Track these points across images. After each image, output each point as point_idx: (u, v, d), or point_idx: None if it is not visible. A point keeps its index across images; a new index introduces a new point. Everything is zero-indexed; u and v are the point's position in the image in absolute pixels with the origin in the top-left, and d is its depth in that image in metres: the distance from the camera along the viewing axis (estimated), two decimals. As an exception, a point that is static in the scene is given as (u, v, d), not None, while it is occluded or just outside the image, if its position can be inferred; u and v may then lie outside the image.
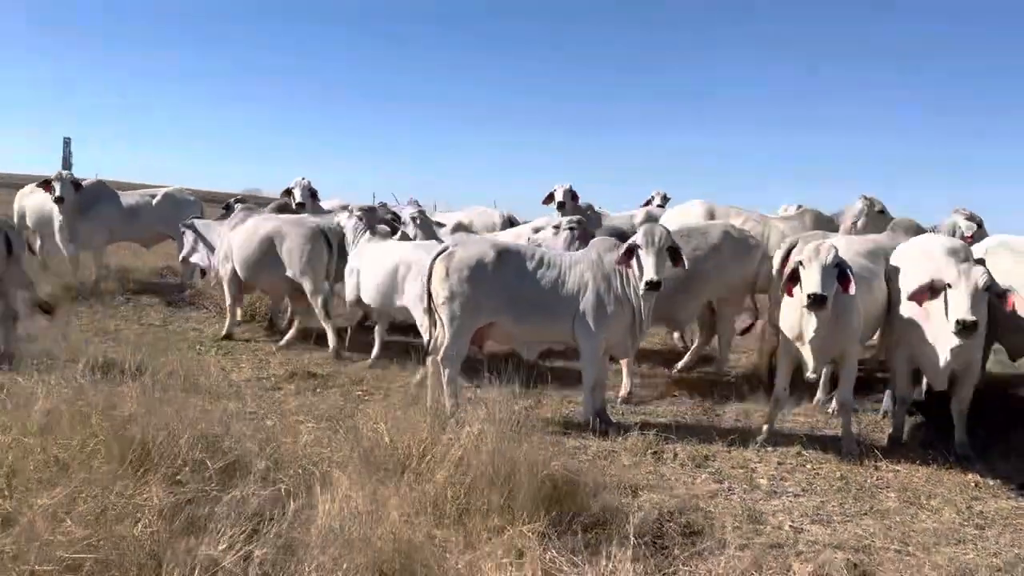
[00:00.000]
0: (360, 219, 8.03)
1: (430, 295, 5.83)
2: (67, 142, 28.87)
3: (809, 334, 5.27)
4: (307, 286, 8.12)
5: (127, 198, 11.24)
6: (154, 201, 11.20)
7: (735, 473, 4.96)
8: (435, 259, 5.78)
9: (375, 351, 7.65)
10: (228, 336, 8.59)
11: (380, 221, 8.59)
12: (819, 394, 6.64)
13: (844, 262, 5.14)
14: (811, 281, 5.03)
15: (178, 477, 3.74)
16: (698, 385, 7.03)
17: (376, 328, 7.80)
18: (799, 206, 8.64)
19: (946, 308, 4.95)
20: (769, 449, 5.43)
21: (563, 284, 5.65)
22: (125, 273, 11.95)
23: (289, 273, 8.18)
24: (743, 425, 6.05)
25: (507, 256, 5.69)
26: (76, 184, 10.75)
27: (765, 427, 5.66)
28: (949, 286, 4.94)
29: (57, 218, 10.76)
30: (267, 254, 8.29)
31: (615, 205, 11.32)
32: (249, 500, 3.59)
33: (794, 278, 5.24)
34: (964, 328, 4.74)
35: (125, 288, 10.83)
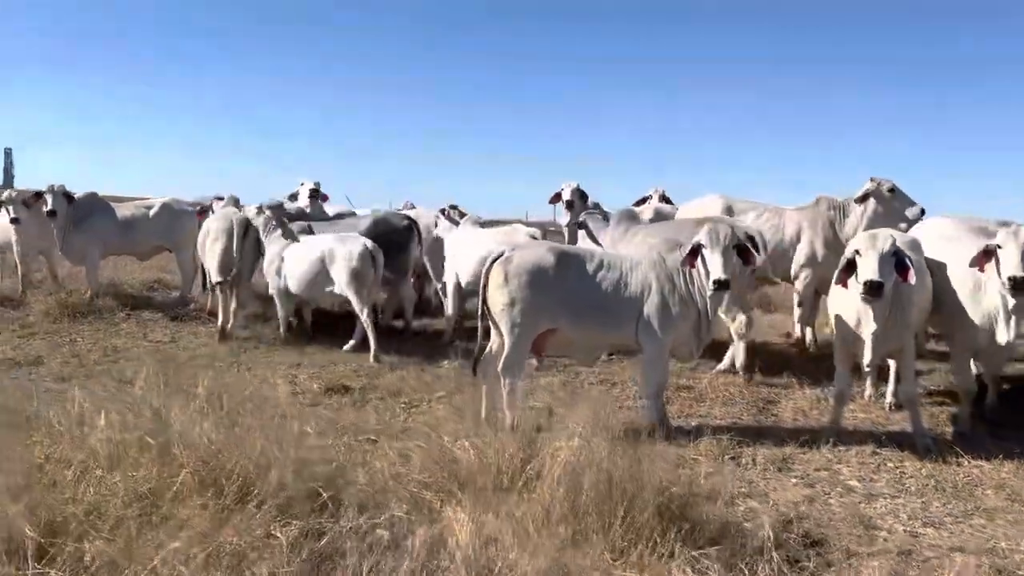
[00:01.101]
0: (270, 216, 8.69)
1: (485, 302, 5.63)
2: (7, 152, 28.00)
3: (867, 325, 5.18)
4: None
5: (122, 210, 10.85)
6: (151, 212, 10.81)
7: (821, 476, 4.84)
8: (491, 265, 5.58)
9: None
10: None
11: (290, 218, 9.12)
12: (869, 389, 6.57)
13: (902, 251, 5.06)
14: (868, 269, 4.93)
15: (291, 511, 3.49)
16: (743, 384, 6.91)
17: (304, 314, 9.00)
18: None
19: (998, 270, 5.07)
20: (843, 448, 5.31)
21: (626, 286, 5.48)
22: (119, 288, 11.58)
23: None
24: (804, 424, 5.95)
25: (566, 259, 5.51)
26: (68, 196, 10.36)
27: (832, 426, 5.55)
28: (999, 247, 5.06)
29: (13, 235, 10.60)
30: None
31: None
32: (364, 530, 3.36)
33: (849, 268, 5.15)
34: (1015, 286, 4.88)
35: (124, 303, 10.42)
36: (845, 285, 5.20)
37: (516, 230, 9.65)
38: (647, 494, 3.57)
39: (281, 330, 8.79)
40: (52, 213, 10.14)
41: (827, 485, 4.68)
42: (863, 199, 7.61)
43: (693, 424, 5.83)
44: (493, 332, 5.74)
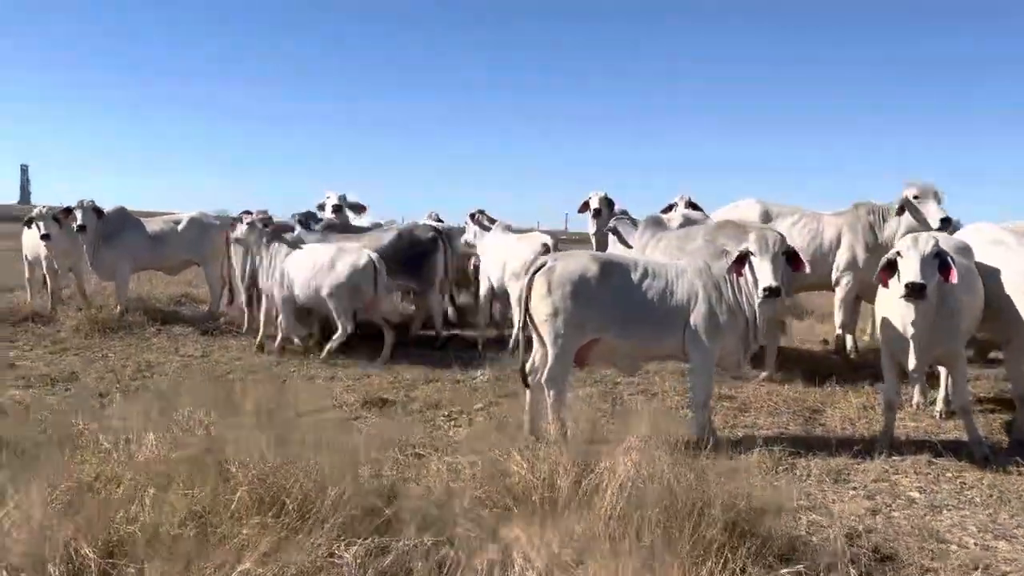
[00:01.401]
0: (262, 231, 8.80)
1: (528, 313, 5.56)
2: (24, 169, 28.26)
3: (910, 329, 5.07)
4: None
5: (151, 225, 10.87)
6: (179, 227, 10.83)
7: (880, 487, 4.72)
8: (533, 275, 5.51)
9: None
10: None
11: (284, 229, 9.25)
12: (917, 397, 6.44)
13: (945, 252, 4.95)
14: (909, 270, 4.84)
15: (353, 528, 3.42)
16: (787, 392, 6.80)
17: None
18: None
19: None
20: (897, 459, 5.19)
21: (671, 295, 5.39)
22: (147, 303, 11.60)
23: None
24: (853, 433, 5.83)
25: (610, 268, 5.43)
26: (98, 211, 10.39)
27: (884, 435, 5.44)
28: None
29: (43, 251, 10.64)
30: None
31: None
32: (428, 548, 3.28)
33: (890, 268, 5.06)
34: None
35: (154, 318, 10.42)
36: (885, 284, 5.12)
37: (535, 236, 9.68)
38: (715, 509, 3.48)
39: (277, 340, 8.79)
40: (82, 228, 10.17)
41: (887, 497, 4.56)
42: (901, 211, 7.45)
43: (740, 435, 5.74)
44: (536, 343, 5.66)
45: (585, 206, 10.58)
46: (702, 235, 7.40)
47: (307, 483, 3.69)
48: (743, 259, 5.29)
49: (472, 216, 11.44)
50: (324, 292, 8.29)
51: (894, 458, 5.19)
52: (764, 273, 5.18)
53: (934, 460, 5.15)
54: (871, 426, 5.97)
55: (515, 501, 4.03)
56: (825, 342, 8.56)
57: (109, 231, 10.52)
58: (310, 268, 8.37)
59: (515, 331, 9.22)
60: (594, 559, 3.45)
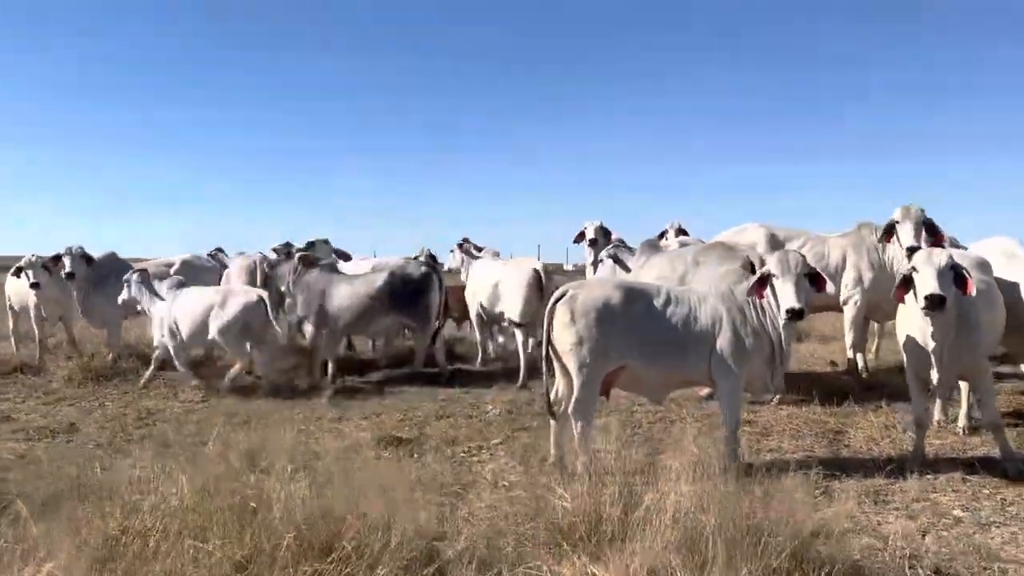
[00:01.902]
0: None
1: (550, 343, 5.49)
2: None
3: (931, 343, 5.07)
4: None
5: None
6: (171, 270, 10.65)
7: (922, 507, 4.67)
8: (554, 304, 5.45)
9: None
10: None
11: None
12: (938, 414, 6.42)
13: (959, 265, 4.97)
14: (926, 283, 4.86)
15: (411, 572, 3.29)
16: (806, 415, 6.75)
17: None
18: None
19: None
20: (931, 477, 5.15)
21: (696, 320, 5.35)
22: (138, 349, 11.36)
23: None
24: (880, 452, 5.79)
25: (634, 295, 5.38)
26: (87, 258, 10.20)
27: (916, 454, 5.41)
28: None
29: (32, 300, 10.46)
30: None
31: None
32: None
33: (906, 284, 5.08)
34: None
35: (147, 365, 10.18)
36: (902, 300, 5.15)
37: (526, 261, 9.77)
38: (780, 537, 3.39)
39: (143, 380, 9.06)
40: (71, 275, 10.00)
41: (932, 516, 4.51)
42: (887, 235, 7.43)
43: (768, 459, 5.67)
44: (559, 372, 5.58)
45: (581, 236, 10.61)
46: (691, 256, 7.42)
47: (359, 526, 3.57)
48: (764, 281, 5.28)
49: (460, 245, 11.43)
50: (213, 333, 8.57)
51: (927, 476, 5.15)
52: (787, 295, 5.16)
53: (968, 477, 5.12)
54: (895, 445, 5.94)
55: (563, 536, 3.93)
56: (833, 364, 8.55)
57: (99, 277, 10.34)
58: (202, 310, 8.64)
59: (521, 362, 9.26)
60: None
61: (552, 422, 5.59)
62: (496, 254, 12.16)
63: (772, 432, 6.38)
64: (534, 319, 9.87)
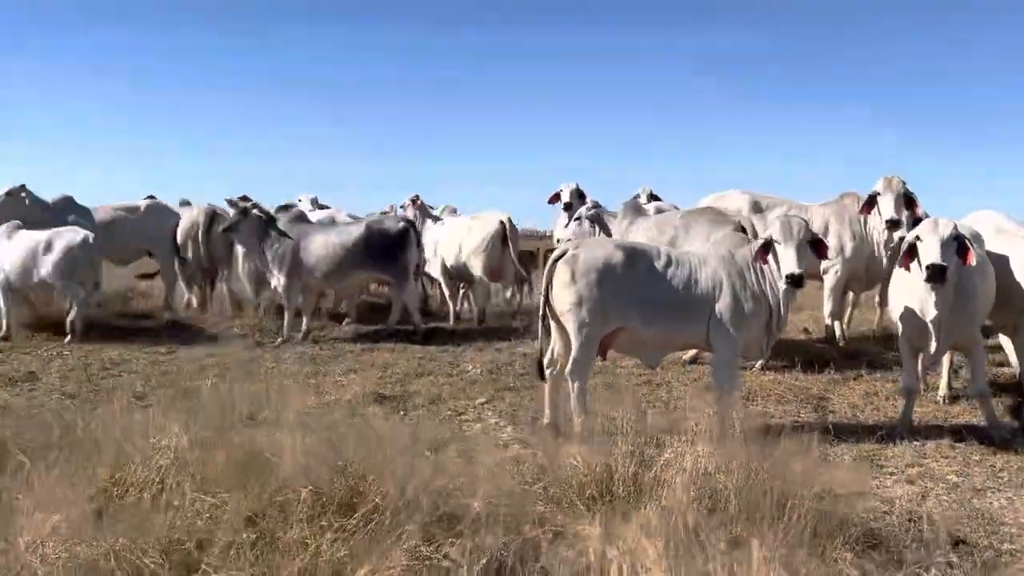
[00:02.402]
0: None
1: (548, 302, 5.40)
2: None
3: (931, 313, 5.13)
4: None
5: (101, 213, 10.25)
6: (135, 215, 10.24)
7: (917, 472, 4.73)
8: (554, 263, 5.36)
9: None
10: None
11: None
12: (943, 390, 6.44)
13: (963, 236, 5.03)
14: (930, 252, 4.91)
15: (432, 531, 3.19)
16: (789, 381, 6.81)
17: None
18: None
19: None
20: (919, 443, 5.24)
21: (696, 283, 5.31)
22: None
23: None
24: (864, 419, 5.87)
25: (635, 255, 5.31)
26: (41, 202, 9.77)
27: (903, 421, 5.49)
28: None
29: None
30: None
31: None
32: (520, 548, 3.10)
33: (911, 253, 5.12)
34: None
35: (107, 314, 9.84)
36: (907, 268, 5.18)
37: (492, 214, 9.90)
38: (807, 500, 3.39)
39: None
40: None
41: (928, 481, 4.58)
42: (868, 206, 7.49)
43: (757, 423, 5.68)
44: (554, 332, 5.51)
45: (556, 197, 10.51)
46: (679, 219, 7.39)
47: (380, 483, 3.45)
48: (767, 246, 5.25)
49: (412, 201, 11.21)
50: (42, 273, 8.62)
51: (916, 443, 5.23)
52: (788, 260, 5.15)
53: (955, 444, 5.20)
54: (879, 412, 6.03)
55: (578, 496, 3.88)
56: (807, 331, 8.65)
57: (55, 222, 9.89)
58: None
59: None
60: (677, 552, 3.32)
61: (546, 383, 5.52)
62: (454, 211, 11.98)
63: (757, 397, 6.42)
64: (500, 272, 9.86)
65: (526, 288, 11.12)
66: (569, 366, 5.30)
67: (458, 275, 10.01)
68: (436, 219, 10.87)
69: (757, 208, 7.90)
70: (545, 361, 5.51)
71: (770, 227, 5.33)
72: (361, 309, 10.25)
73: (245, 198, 9.92)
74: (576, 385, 5.28)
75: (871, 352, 7.54)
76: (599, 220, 8.31)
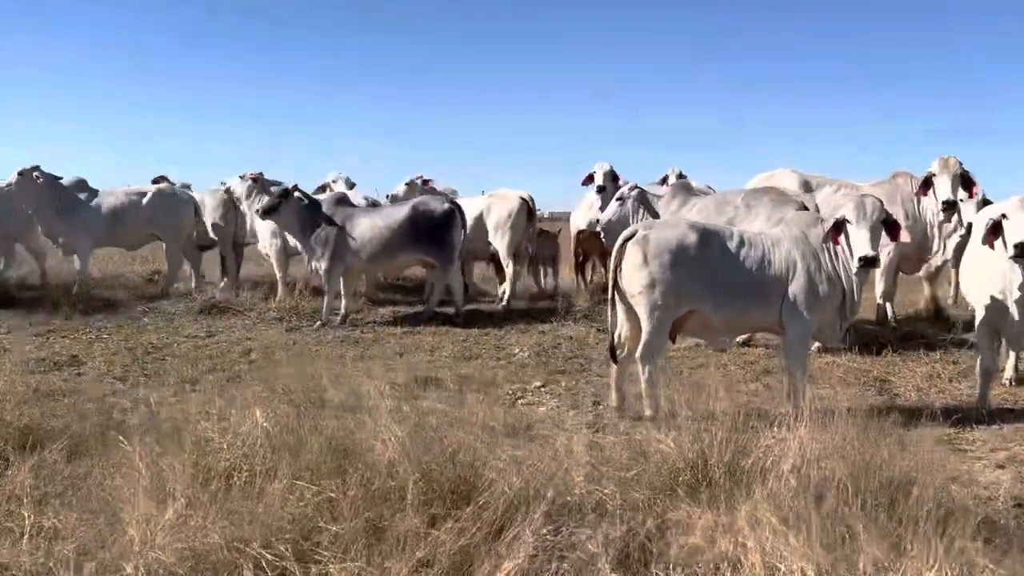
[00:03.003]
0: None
1: (616, 285, 5.30)
2: None
3: (1016, 293, 5.03)
4: None
5: (109, 198, 10.15)
6: (144, 200, 10.12)
7: (1004, 456, 4.66)
8: (623, 243, 5.25)
9: None
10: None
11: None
12: (1009, 372, 6.35)
13: None
14: (1019, 230, 4.79)
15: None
16: (846, 363, 6.72)
17: None
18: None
19: None
20: (997, 427, 5.16)
21: (769, 264, 5.20)
22: (123, 280, 10.88)
23: None
24: (931, 402, 5.76)
25: (709, 236, 5.20)
26: (47, 176, 9.80)
27: (981, 403, 5.41)
28: None
29: None
30: None
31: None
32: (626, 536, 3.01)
33: (995, 231, 5.00)
34: None
35: (139, 297, 9.76)
36: (992, 246, 5.06)
37: (512, 193, 9.98)
38: (928, 488, 3.30)
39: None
40: None
41: (1018, 465, 4.50)
42: (924, 188, 7.39)
43: (825, 406, 5.59)
44: (622, 315, 5.41)
45: (590, 178, 10.35)
46: (740, 199, 7.26)
47: (489, 474, 3.36)
48: (840, 227, 5.14)
49: (411, 183, 11.05)
50: None
51: (995, 426, 5.15)
52: (861, 242, 5.04)
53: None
54: (944, 395, 5.95)
55: (675, 483, 3.79)
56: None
57: (64, 204, 9.83)
58: None
59: (507, 291, 9.12)
60: (787, 543, 3.23)
61: (613, 366, 5.43)
62: (454, 192, 11.82)
63: (817, 380, 6.31)
64: (521, 250, 9.79)
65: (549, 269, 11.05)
66: (640, 349, 5.20)
67: (474, 255, 10.06)
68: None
69: (807, 187, 7.79)
70: (616, 344, 5.42)
71: (842, 207, 5.21)
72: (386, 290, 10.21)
73: (258, 177, 9.82)
74: (647, 369, 5.19)
75: (926, 333, 7.46)
76: (644, 200, 8.13)
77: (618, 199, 9.34)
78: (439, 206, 8.52)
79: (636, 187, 8.88)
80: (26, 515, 3.40)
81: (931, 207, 7.35)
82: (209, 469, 3.76)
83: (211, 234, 10.44)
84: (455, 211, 8.51)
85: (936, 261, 7.65)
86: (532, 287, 10.80)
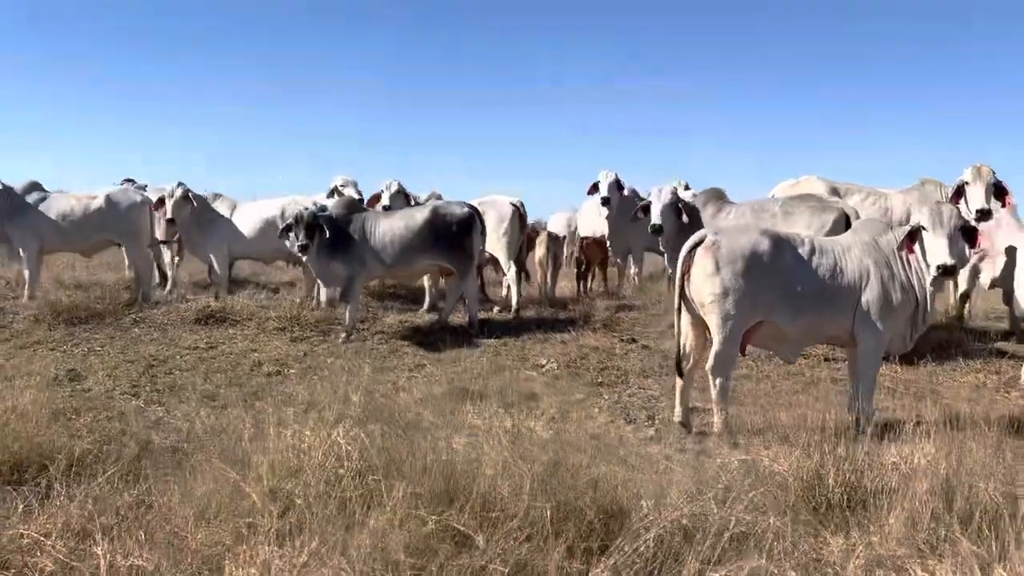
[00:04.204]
0: None
1: (683, 293, 5.07)
2: None
3: None
4: None
5: (60, 202, 9.60)
6: (94, 204, 9.58)
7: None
8: (691, 250, 5.02)
9: None
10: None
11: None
12: None
13: None
14: None
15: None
16: (887, 372, 6.60)
17: None
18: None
19: None
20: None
21: (842, 272, 5.02)
22: (104, 287, 10.24)
23: None
24: (987, 412, 5.67)
25: (781, 243, 5.01)
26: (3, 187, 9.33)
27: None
28: None
29: None
30: None
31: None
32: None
33: None
34: None
35: (126, 306, 9.17)
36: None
37: (503, 198, 9.72)
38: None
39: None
40: None
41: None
42: (956, 196, 7.35)
43: (889, 418, 5.44)
44: (687, 325, 5.17)
45: (595, 188, 10.15)
46: (779, 206, 7.10)
47: (600, 497, 3.07)
48: (914, 235, 5.00)
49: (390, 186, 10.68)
50: None
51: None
52: (939, 250, 4.90)
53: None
54: (997, 407, 5.84)
55: (788, 504, 3.55)
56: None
57: (13, 208, 9.39)
58: None
59: (514, 298, 8.82)
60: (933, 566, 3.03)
61: (678, 379, 5.19)
62: (439, 197, 11.47)
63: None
64: (518, 255, 9.53)
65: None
66: (711, 361, 4.98)
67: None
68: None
69: (835, 194, 7.67)
70: (681, 355, 5.18)
71: (918, 214, 5.07)
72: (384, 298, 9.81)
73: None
74: (718, 381, 4.97)
75: (960, 341, 7.39)
76: (689, 208, 7.41)
77: (608, 217, 9.24)
78: (458, 209, 8.18)
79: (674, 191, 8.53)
80: (99, 553, 3.01)
81: (965, 215, 7.28)
82: (289, 496, 3.42)
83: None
84: (474, 215, 8.18)
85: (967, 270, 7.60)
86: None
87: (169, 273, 10.82)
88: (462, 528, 3.01)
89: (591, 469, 3.25)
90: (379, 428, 3.87)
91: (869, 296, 5.01)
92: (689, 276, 5.01)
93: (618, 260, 10.85)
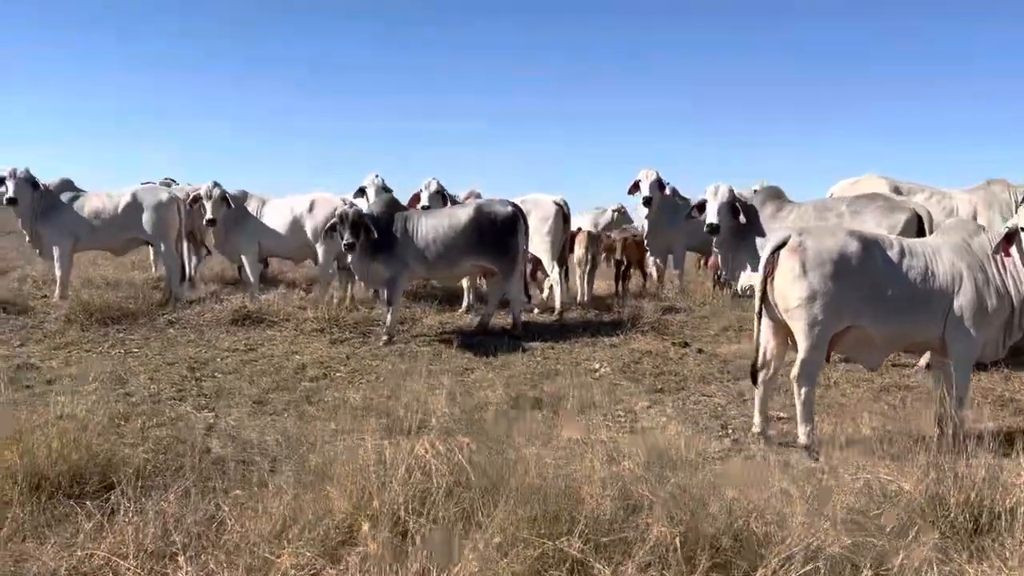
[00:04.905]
0: None
1: (764, 297, 4.81)
2: None
3: None
4: None
5: (93, 200, 9.45)
6: (122, 201, 9.38)
7: None
8: (775, 251, 4.75)
9: None
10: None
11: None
12: None
13: None
14: None
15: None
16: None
17: None
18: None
19: None
20: None
21: (933, 276, 4.75)
22: (138, 287, 10.03)
23: None
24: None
25: (871, 245, 4.74)
26: (34, 182, 9.13)
27: None
28: None
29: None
30: None
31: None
32: None
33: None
34: None
35: (160, 306, 8.96)
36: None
37: (545, 197, 9.50)
38: None
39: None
40: (12, 201, 9.02)
41: None
42: None
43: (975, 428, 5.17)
44: (767, 330, 4.91)
45: (635, 187, 9.91)
46: (845, 206, 6.82)
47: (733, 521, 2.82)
48: (1012, 237, 4.73)
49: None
50: None
51: None
52: (1039, 252, 4.63)
53: None
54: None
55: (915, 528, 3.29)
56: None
57: (47, 205, 9.26)
58: None
59: (557, 300, 8.56)
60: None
61: (757, 388, 4.93)
62: (478, 196, 11.21)
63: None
64: (561, 255, 9.27)
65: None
66: (796, 368, 4.72)
67: None
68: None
69: (898, 193, 7.40)
70: (759, 363, 4.92)
71: (1018, 216, 4.80)
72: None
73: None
74: (803, 391, 4.71)
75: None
76: (747, 207, 7.13)
77: (647, 218, 9.02)
78: (502, 208, 7.92)
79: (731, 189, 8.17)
80: (182, 577, 2.78)
81: None
82: (374, 516, 3.18)
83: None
84: (518, 214, 7.92)
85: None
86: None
87: (188, 271, 10.56)
88: (576, 554, 2.75)
89: (719, 491, 2.99)
90: (465, 440, 3.60)
91: (962, 301, 4.74)
92: (772, 279, 4.75)
93: (657, 261, 10.60)
